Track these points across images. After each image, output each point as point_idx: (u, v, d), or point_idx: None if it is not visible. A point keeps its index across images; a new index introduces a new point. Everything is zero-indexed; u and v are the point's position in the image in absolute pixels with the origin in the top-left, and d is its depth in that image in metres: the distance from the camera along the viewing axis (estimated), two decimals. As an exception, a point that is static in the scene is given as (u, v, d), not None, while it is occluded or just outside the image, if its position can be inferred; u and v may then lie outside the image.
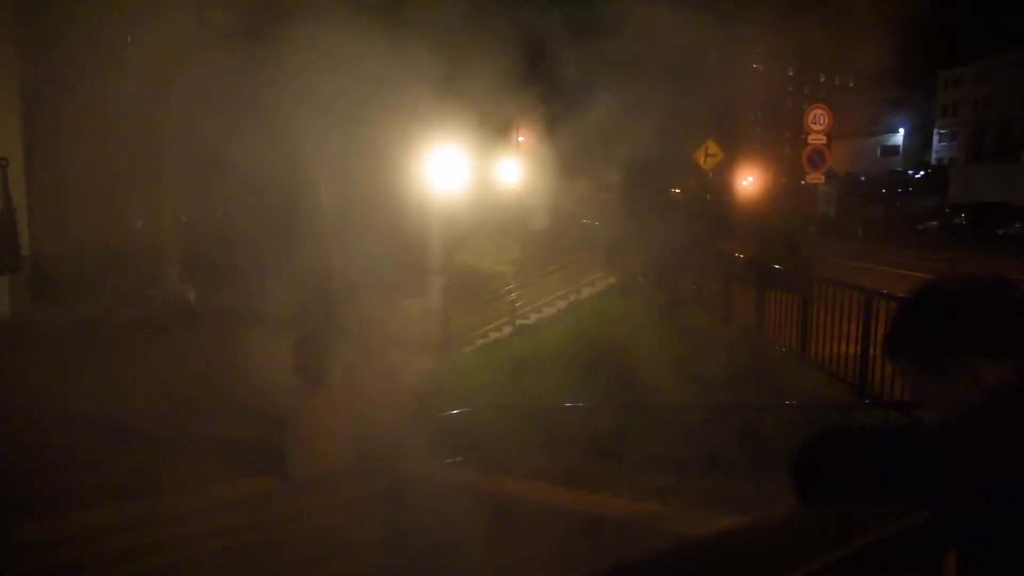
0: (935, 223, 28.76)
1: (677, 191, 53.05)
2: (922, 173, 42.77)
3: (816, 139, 12.65)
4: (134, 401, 10.79)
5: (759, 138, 67.60)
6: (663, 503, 5.64)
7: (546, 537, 5.80)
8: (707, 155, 17.43)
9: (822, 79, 75.05)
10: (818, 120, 12.60)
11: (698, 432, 6.19)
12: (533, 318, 14.89)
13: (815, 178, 13.10)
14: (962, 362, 1.06)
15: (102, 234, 21.44)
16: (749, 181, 52.88)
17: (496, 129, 27.65)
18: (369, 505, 8.70)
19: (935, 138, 53.56)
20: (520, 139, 34.41)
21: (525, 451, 7.98)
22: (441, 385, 12.48)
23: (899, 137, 54.84)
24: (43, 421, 9.79)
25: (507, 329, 14.73)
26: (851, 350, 6.41)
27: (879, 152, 52.53)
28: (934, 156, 53.29)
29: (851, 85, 69.63)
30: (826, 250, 20.58)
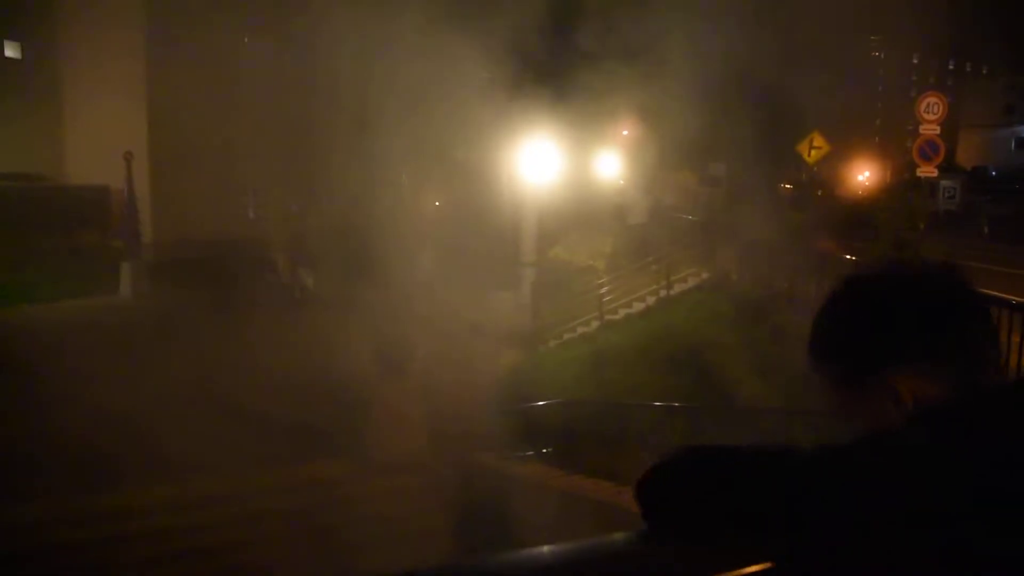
0: (1072, 222, 26.23)
1: (788, 186, 51.08)
2: (1061, 167, 39.23)
3: (928, 129, 11.75)
4: (227, 380, 11.34)
5: (878, 130, 64.01)
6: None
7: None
8: (812, 147, 16.60)
9: (951, 66, 70.19)
10: (931, 109, 11.69)
11: (769, 437, 5.84)
12: (621, 313, 14.60)
13: (927, 171, 12.16)
14: (882, 376, 0.86)
15: (220, 223, 22.64)
16: (866, 176, 50.20)
17: (599, 122, 27.38)
18: (436, 493, 8.75)
19: (1078, 130, 49.02)
20: (624, 132, 33.97)
21: (595, 447, 7.83)
22: (521, 378, 12.45)
23: (1036, 129, 50.46)
24: (137, 396, 10.39)
25: (594, 324, 14.52)
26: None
27: (1013, 145, 48.55)
28: (1077, 149, 48.77)
29: (984, 72, 64.77)
30: (942, 249, 19.19)
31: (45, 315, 16.85)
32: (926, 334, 0.84)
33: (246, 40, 24.97)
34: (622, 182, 35.53)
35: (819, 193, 48.48)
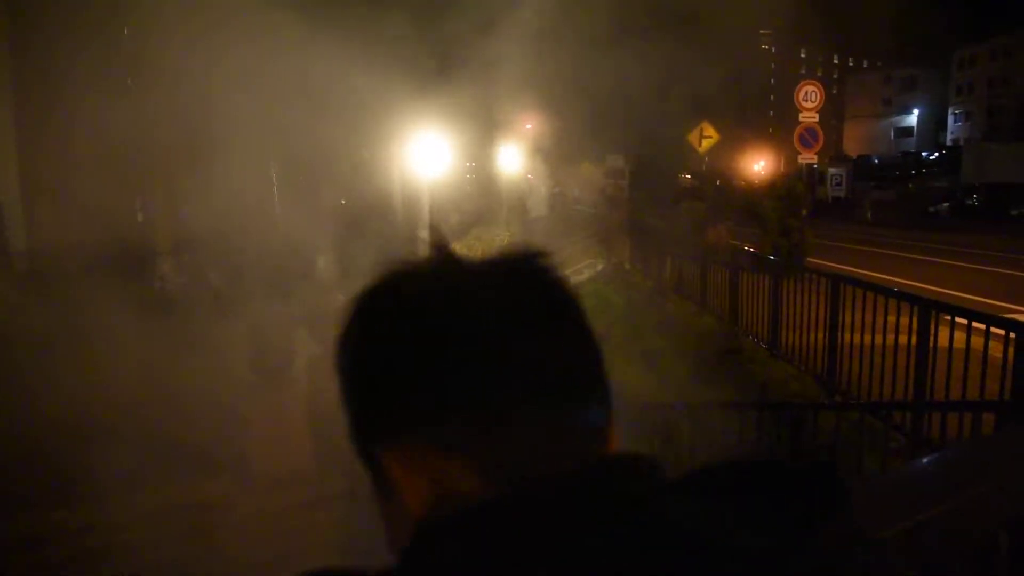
0: (947, 205, 27.89)
1: (688, 176, 52.38)
2: (936, 155, 41.69)
3: (808, 117, 12.06)
4: (102, 399, 10.56)
5: (771, 121, 66.55)
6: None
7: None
8: (702, 137, 16.88)
9: (835, 60, 73.83)
10: (810, 97, 12.00)
11: (634, 433, 5.71)
12: (519, 308, 14.45)
13: (808, 157, 12.50)
14: (382, 454, 0.52)
15: (106, 226, 21.26)
16: (761, 165, 52.03)
17: (502, 116, 27.18)
18: (327, 506, 8.34)
19: (950, 119, 52.19)
20: (528, 126, 33.94)
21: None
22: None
23: (913, 118, 53.45)
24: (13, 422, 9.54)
25: (491, 320, 14.31)
26: (819, 340, 5.91)
27: (893, 134, 51.33)
28: (949, 137, 51.94)
29: (864, 65, 68.38)
30: (828, 233, 19.98)
31: None
32: (452, 378, 0.48)
33: (126, 32, 23.58)
34: (529, 176, 35.61)
35: (717, 183, 50.07)
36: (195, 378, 10.20)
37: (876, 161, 42.86)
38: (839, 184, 30.99)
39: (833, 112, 67.24)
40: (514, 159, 29.95)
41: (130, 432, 9.38)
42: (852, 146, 51.34)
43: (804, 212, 12.37)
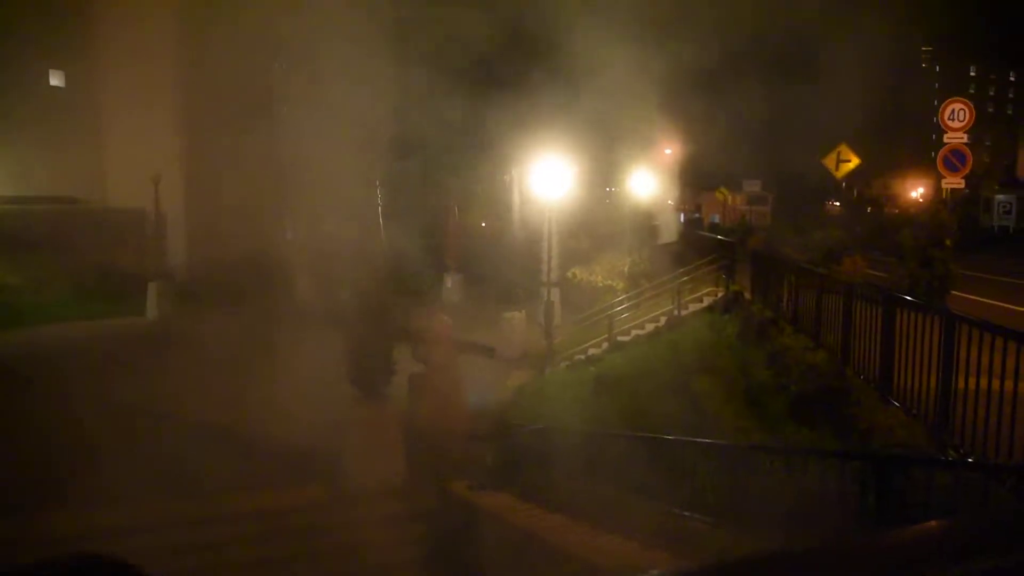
0: None
1: (836, 204, 49.68)
2: None
3: (954, 137, 10.96)
4: (223, 402, 11.18)
5: (935, 145, 61.74)
6: (671, 553, 4.81)
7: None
8: (839, 160, 15.83)
9: (1011, 77, 67.47)
10: (956, 116, 10.90)
11: (733, 476, 5.27)
12: (633, 334, 14.03)
13: (953, 182, 11.34)
14: None
15: (256, 244, 22.89)
16: (920, 192, 48.31)
17: (641, 141, 26.91)
18: (410, 524, 8.34)
19: None
20: (667, 151, 33.40)
21: (569, 479, 7.32)
22: (522, 400, 11.99)
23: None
24: (131, 415, 10.30)
25: (604, 345, 13.98)
26: (932, 383, 5.24)
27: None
28: None
29: (1045, 83, 62.08)
30: (987, 266, 18.10)
31: (68, 333, 17.14)
32: None
33: (278, 64, 25.37)
34: (669, 202, 34.93)
35: (868, 210, 46.92)
36: (302, 386, 10.60)
37: (1058, 188, 38.64)
38: (1008, 212, 28.13)
39: (1007, 134, 61.37)
40: (650, 184, 29.43)
41: (235, 436, 9.85)
42: (1029, 170, 46.61)
43: (948, 242, 11.25)
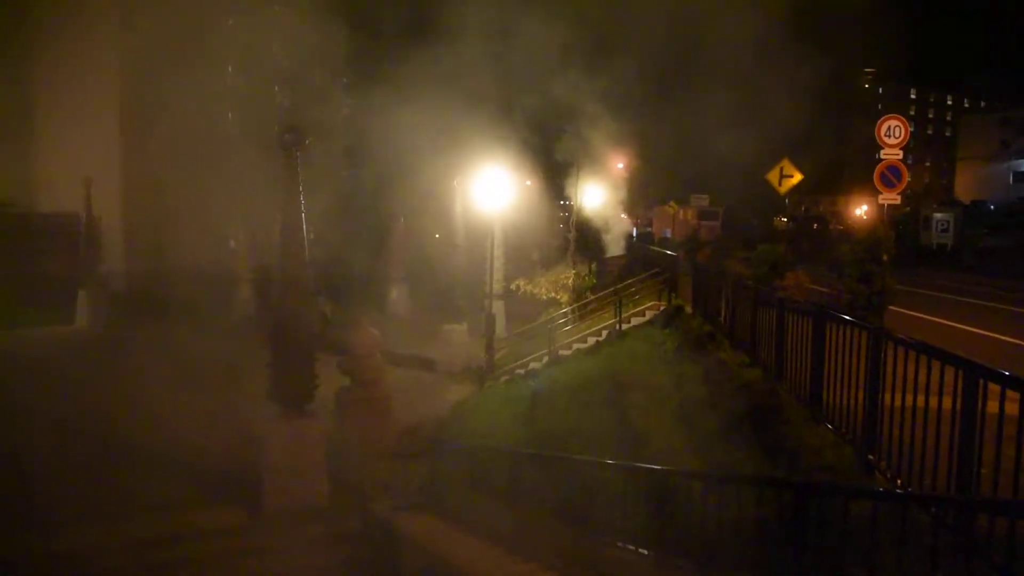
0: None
1: (784, 220, 50.37)
2: (1061, 201, 38.29)
3: (890, 154, 11.02)
4: (142, 417, 10.60)
5: (874, 164, 63.38)
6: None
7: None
8: (782, 175, 15.89)
9: (948, 100, 69.71)
10: (892, 133, 10.97)
11: (652, 499, 5.01)
12: (575, 348, 13.81)
13: (889, 198, 11.41)
14: None
15: (197, 252, 22.11)
16: (863, 210, 49.44)
17: (592, 154, 26.86)
18: (332, 547, 7.92)
19: (1078, 163, 48.01)
20: (620, 165, 33.47)
21: (490, 501, 7.01)
22: (459, 415, 11.65)
23: (1034, 163, 49.43)
24: (44, 430, 9.69)
25: (546, 359, 13.73)
26: (860, 401, 5.07)
27: (1011, 178, 47.66)
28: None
29: (981, 106, 64.15)
30: (925, 281, 18.40)
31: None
32: None
33: (228, 67, 24.75)
34: (623, 216, 34.88)
35: (815, 227, 47.77)
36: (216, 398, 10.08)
37: (992, 207, 39.86)
38: (945, 230, 28.82)
39: (945, 155, 63.34)
40: (600, 197, 29.41)
41: (157, 454, 9.29)
42: (965, 191, 47.98)
43: (886, 257, 11.28)
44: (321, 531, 8.22)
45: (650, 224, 51.75)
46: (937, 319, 12.31)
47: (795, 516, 3.65)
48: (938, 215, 29.49)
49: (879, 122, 11.17)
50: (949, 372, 4.09)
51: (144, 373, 12.28)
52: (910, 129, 11.07)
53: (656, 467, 4.94)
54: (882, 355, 4.78)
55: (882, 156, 11.18)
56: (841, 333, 5.48)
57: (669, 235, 45.07)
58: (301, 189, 8.10)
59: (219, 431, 9.50)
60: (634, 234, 46.28)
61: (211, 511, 8.69)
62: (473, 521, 6.49)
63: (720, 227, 50.84)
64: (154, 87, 21.74)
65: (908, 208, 50.92)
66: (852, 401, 5.26)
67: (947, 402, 4.10)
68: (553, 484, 6.52)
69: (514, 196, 18.31)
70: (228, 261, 23.43)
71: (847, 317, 5.48)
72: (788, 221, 52.15)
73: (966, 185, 48.93)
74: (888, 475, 4.68)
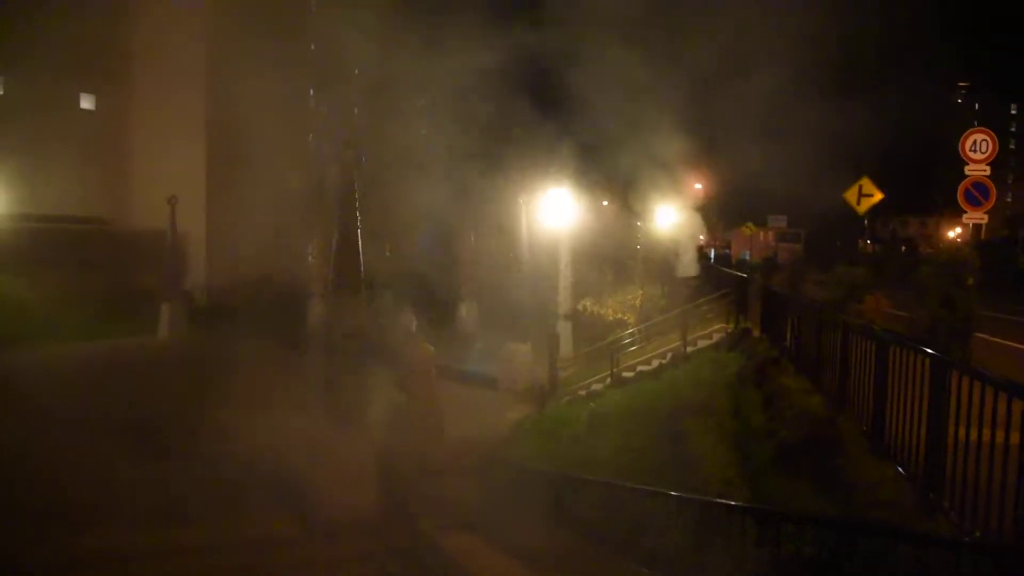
0: None
1: (868, 242, 48.41)
2: None
3: (976, 170, 10.35)
4: (207, 427, 10.88)
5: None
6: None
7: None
8: (861, 195, 15.21)
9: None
10: (978, 147, 10.30)
11: (698, 531, 4.76)
12: (638, 370, 13.49)
13: (975, 217, 10.70)
14: None
15: (277, 266, 22.86)
16: (957, 232, 47.11)
17: (670, 175, 26.49)
18: (379, 563, 7.88)
19: None
20: (698, 186, 32.92)
21: (537, 523, 6.83)
22: (519, 435, 11.52)
23: None
24: (100, 437, 10.06)
25: (609, 380, 13.46)
26: (923, 435, 4.69)
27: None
28: None
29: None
30: (1017, 307, 17.17)
31: (76, 352, 17.09)
32: None
33: (311, 92, 25.64)
34: (701, 237, 34.15)
35: (903, 249, 45.69)
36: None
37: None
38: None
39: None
40: (676, 217, 28.90)
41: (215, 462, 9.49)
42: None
43: (971, 281, 10.56)
44: (370, 546, 8.22)
45: (729, 246, 50.66)
46: (1028, 348, 11.44)
47: (837, 555, 3.36)
48: (1036, 236, 27.71)
49: (964, 136, 10.52)
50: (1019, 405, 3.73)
51: (206, 383, 12.63)
52: (998, 143, 10.39)
53: (694, 496, 4.69)
54: (947, 384, 4.41)
55: (967, 172, 10.52)
56: (905, 359, 5.11)
57: (748, 257, 43.97)
58: (358, 205, 8.20)
59: (275, 442, 9.64)
60: (712, 256, 45.32)
61: (263, 522, 8.82)
62: (518, 543, 6.34)
63: (801, 249, 49.24)
64: (238, 108, 22.65)
65: (1005, 231, 48.07)
66: (915, 434, 4.87)
67: (1015, 437, 3.74)
68: (599, 509, 6.31)
69: (584, 215, 18.18)
70: (305, 276, 24.05)
71: (911, 342, 5.10)
72: (873, 243, 49.98)
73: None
74: (952, 516, 4.29)
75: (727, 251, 48.65)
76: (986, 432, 4.00)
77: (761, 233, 48.87)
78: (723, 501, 4.76)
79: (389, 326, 14.63)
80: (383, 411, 9.40)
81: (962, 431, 4.31)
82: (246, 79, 21.84)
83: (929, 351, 4.68)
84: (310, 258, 26.53)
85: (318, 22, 22.92)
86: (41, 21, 22.12)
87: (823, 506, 4.97)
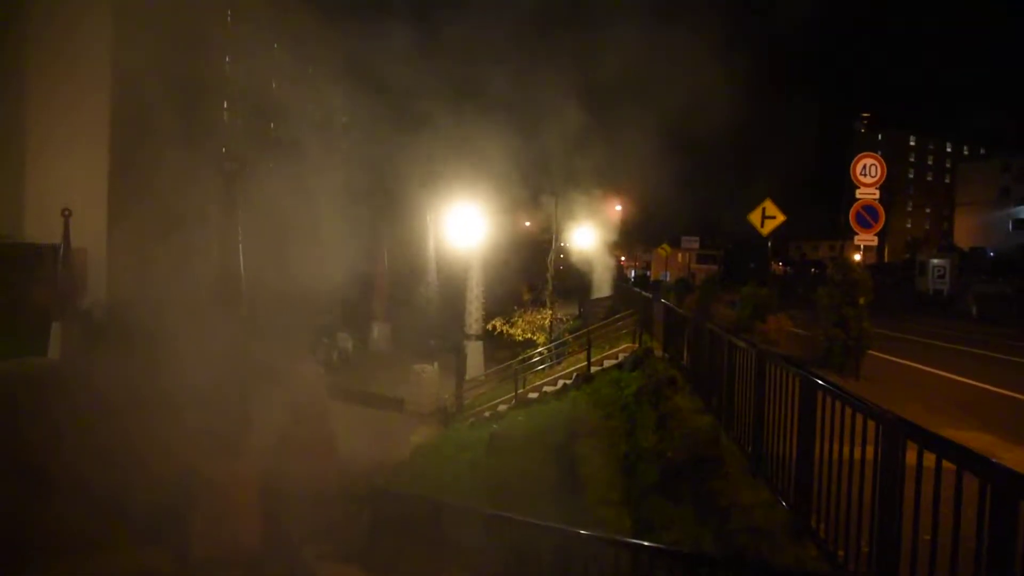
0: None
1: (781, 264, 49.74)
2: (1063, 249, 37.84)
3: (866, 193, 10.67)
4: (87, 452, 10.15)
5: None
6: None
7: None
8: (764, 217, 15.56)
9: (948, 147, 69.68)
10: (868, 171, 10.63)
11: (574, 562, 4.55)
12: (543, 391, 13.34)
13: (865, 239, 11.02)
14: None
15: (185, 284, 21.76)
16: (860, 254, 49.08)
17: (587, 196, 26.64)
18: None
19: (1079, 211, 47.60)
20: (618, 207, 33.22)
21: (414, 554, 6.52)
22: (417, 459, 11.17)
23: (1034, 210, 48.95)
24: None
25: (513, 402, 13.27)
26: (794, 455, 4.62)
27: (1011, 225, 47.28)
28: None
29: (981, 152, 64.12)
30: (915, 327, 17.91)
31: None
32: None
33: (224, 101, 24.88)
34: (622, 259, 34.33)
35: (812, 271, 47.38)
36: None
37: (991, 254, 39.43)
38: (942, 276, 28.36)
39: (945, 201, 63.02)
40: (592, 238, 29.12)
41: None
42: (964, 238, 47.58)
43: (862, 300, 10.82)
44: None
45: (649, 267, 51.53)
46: (918, 365, 11.82)
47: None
48: (934, 261, 29.09)
49: (854, 161, 10.83)
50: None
51: (92, 406, 11.85)
52: (886, 168, 10.72)
53: (558, 527, 4.48)
54: (816, 402, 4.35)
55: (857, 196, 10.82)
56: (779, 377, 5.06)
57: (667, 278, 44.78)
58: (241, 218, 7.78)
59: (155, 469, 9.04)
60: (632, 276, 45.89)
61: (137, 553, 8.23)
62: (398, 574, 6.01)
63: (718, 271, 50.44)
64: (144, 121, 21.74)
65: (907, 254, 50.36)
66: (787, 454, 4.80)
67: (870, 451, 3.67)
68: (484, 539, 6.04)
69: (497, 234, 18.04)
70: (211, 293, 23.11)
71: (783, 358, 5.05)
72: (786, 266, 51.61)
73: (966, 232, 48.54)
74: (826, 539, 4.20)
75: (647, 272, 49.48)
76: (847, 450, 3.93)
77: (680, 255, 49.89)
78: (585, 532, 4.57)
79: (277, 347, 14.10)
80: (269, 437, 8.91)
81: (827, 449, 4.24)
82: (154, 82, 20.99)
83: (797, 368, 4.62)
84: (212, 278, 25.51)
85: (223, 31, 22.24)
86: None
87: (699, 531, 4.84)
